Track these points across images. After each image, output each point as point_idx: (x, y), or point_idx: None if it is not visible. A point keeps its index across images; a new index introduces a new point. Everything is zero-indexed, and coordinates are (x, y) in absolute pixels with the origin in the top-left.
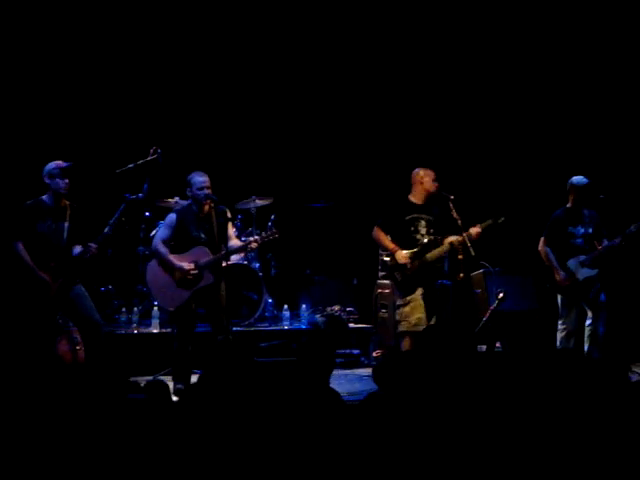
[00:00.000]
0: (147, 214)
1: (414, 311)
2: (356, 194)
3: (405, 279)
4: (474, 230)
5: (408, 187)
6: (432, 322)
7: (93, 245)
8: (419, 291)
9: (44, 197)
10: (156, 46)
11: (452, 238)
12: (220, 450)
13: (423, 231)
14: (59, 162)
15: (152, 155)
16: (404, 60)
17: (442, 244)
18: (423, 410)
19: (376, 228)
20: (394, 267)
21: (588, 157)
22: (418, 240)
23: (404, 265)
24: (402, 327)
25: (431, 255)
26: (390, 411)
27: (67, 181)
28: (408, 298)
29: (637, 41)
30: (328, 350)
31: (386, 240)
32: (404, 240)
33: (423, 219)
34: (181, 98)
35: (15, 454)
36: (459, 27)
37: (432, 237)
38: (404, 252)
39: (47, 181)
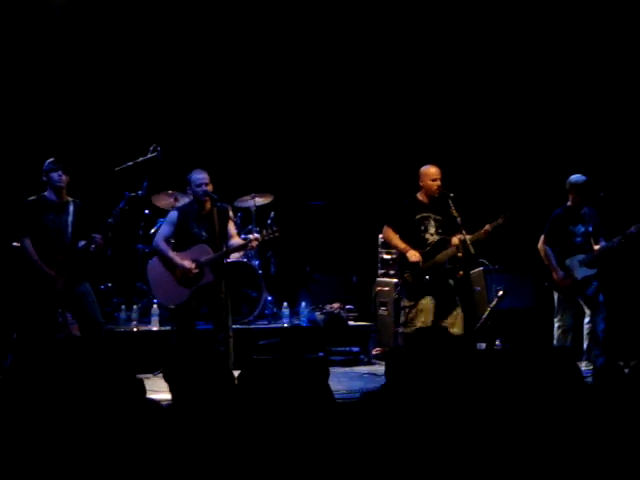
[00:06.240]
0: (147, 212)
1: (420, 315)
2: (355, 192)
3: (415, 281)
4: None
5: (410, 185)
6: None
7: (98, 236)
8: (427, 294)
9: (45, 193)
10: (156, 44)
11: (456, 238)
12: (211, 448)
13: (432, 230)
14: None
15: (151, 153)
16: (403, 57)
17: (450, 244)
18: (423, 407)
19: (386, 227)
20: (404, 267)
21: (587, 156)
22: (427, 240)
23: (415, 265)
24: (406, 329)
25: (441, 256)
26: (390, 407)
27: (62, 174)
28: (415, 301)
29: (637, 41)
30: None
31: (396, 239)
32: (413, 239)
33: (432, 218)
34: (181, 96)
35: (13, 450)
36: (461, 24)
37: (441, 237)
38: (416, 252)
39: (44, 178)
